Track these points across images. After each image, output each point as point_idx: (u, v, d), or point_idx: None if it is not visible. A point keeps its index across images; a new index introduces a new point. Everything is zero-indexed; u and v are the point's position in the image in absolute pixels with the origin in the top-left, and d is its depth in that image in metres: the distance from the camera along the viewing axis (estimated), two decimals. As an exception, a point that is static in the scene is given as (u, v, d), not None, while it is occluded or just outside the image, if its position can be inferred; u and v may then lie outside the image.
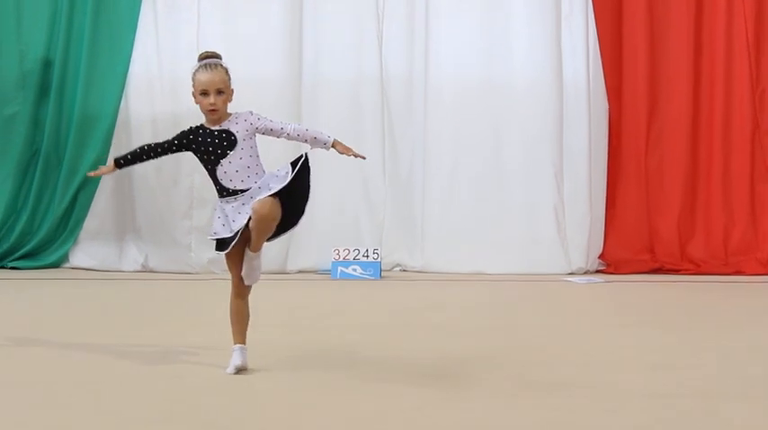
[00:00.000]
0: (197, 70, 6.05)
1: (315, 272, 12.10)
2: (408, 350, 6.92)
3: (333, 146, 6.36)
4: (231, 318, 6.06)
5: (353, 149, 6.37)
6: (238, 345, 6.01)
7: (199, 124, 6.14)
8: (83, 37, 12.12)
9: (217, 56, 6.13)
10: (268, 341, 6.19)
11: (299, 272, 12.12)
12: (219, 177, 6.07)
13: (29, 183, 12.29)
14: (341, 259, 11.68)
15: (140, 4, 12.15)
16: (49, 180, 12.27)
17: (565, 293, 10.61)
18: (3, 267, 12.06)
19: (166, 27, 12.24)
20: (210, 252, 11.78)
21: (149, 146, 6.20)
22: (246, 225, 5.90)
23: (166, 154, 6.21)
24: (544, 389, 5.65)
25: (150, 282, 11.22)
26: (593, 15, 12.41)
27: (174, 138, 6.14)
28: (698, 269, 12.31)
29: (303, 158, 6.07)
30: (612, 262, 12.46)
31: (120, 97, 12.13)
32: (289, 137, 6.34)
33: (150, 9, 12.21)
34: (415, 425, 4.84)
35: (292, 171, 6.01)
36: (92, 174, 6.33)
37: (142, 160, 6.23)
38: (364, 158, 6.42)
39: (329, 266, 11.74)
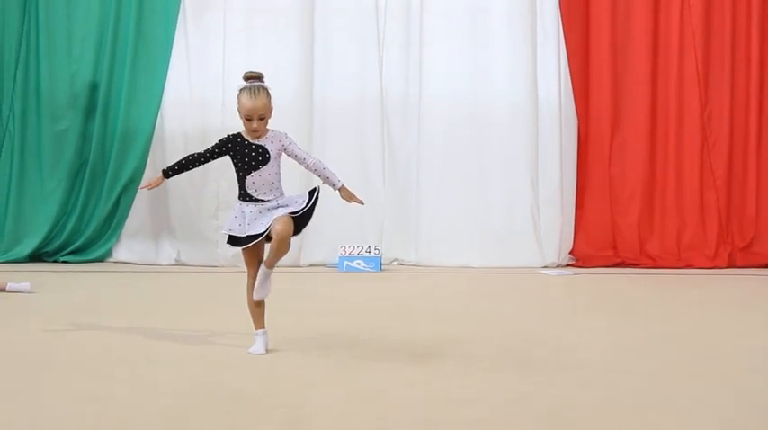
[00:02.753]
0: (242, 92, 5.98)
1: (324, 265, 12.10)
2: (404, 333, 6.92)
3: (339, 189, 6.20)
4: (250, 309, 6.04)
5: (356, 196, 6.21)
6: (260, 330, 6.02)
7: (238, 133, 6.09)
8: (124, 63, 12.11)
9: (260, 77, 6.05)
10: (283, 325, 6.20)
11: (311, 265, 12.12)
12: (247, 185, 5.98)
13: (78, 189, 12.29)
14: (346, 254, 11.68)
15: (174, 34, 12.14)
16: (95, 186, 12.26)
17: (539, 284, 10.60)
18: (55, 261, 12.06)
19: (197, 54, 12.24)
20: (234, 248, 11.85)
21: (193, 155, 6.10)
22: (267, 238, 5.85)
23: (209, 161, 6.12)
24: (523, 367, 5.66)
25: (182, 274, 11.22)
26: (564, 45, 12.41)
27: (214, 146, 6.07)
28: (655, 263, 12.32)
29: (317, 191, 6.01)
30: (581, 257, 12.46)
31: (157, 115, 12.12)
32: (307, 167, 6.19)
33: (183, 38, 12.21)
34: (409, 398, 4.84)
35: (309, 199, 5.95)
36: (144, 187, 6.17)
37: (187, 169, 6.13)
38: (362, 204, 6.25)
39: (336, 261, 11.74)
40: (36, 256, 12.07)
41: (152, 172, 12.10)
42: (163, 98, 12.14)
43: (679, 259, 12.41)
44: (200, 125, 12.12)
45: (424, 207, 12.43)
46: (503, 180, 12.36)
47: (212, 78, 12.16)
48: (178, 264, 12.07)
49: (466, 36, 12.40)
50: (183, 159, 6.10)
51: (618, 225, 12.54)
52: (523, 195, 12.34)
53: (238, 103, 6.00)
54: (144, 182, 6.12)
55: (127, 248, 12.25)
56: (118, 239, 12.26)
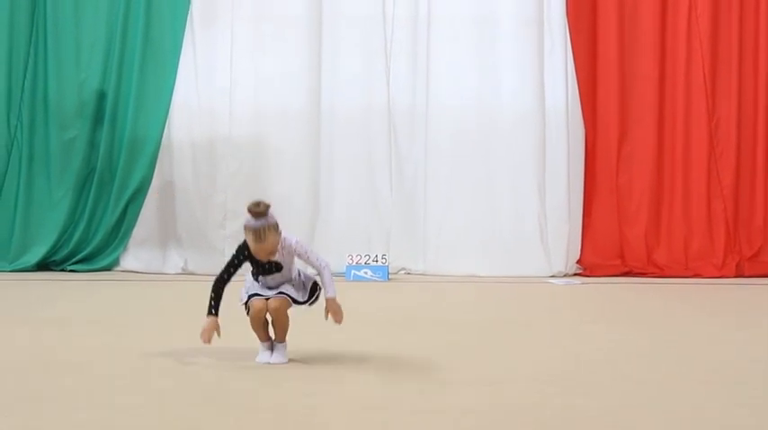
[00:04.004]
0: (247, 232, 5.79)
1: (331, 274, 12.09)
2: (412, 342, 6.96)
3: (327, 298, 5.98)
4: (254, 328, 6.07)
5: (339, 314, 5.98)
6: (267, 342, 6.07)
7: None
8: (132, 72, 12.17)
9: (265, 213, 5.77)
10: (291, 334, 6.22)
11: (318, 274, 12.12)
12: (260, 279, 6.01)
13: (85, 198, 12.33)
14: (354, 263, 11.70)
15: (182, 42, 12.20)
16: (103, 195, 12.31)
17: (546, 293, 10.62)
18: (63, 270, 12.10)
19: (204, 63, 12.29)
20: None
21: (219, 281, 5.90)
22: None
23: (234, 274, 5.93)
24: (531, 376, 5.69)
25: (189, 283, 11.24)
26: (571, 53, 12.45)
27: (234, 259, 5.91)
28: (662, 272, 12.33)
29: (318, 293, 6.07)
30: (588, 266, 12.48)
31: (164, 124, 12.17)
32: (311, 265, 6.06)
33: (190, 47, 12.26)
34: (418, 408, 4.87)
35: (310, 297, 6.06)
36: (205, 339, 5.77)
37: (222, 294, 5.88)
38: (339, 323, 6.01)
39: (344, 270, 11.75)
40: (44, 265, 12.12)
41: (159, 181, 12.18)
42: (170, 106, 12.19)
43: (687, 268, 12.42)
44: (207, 134, 12.19)
45: (431, 216, 12.45)
46: (510, 189, 12.39)
47: (220, 87, 12.22)
48: (185, 272, 12.10)
49: (473, 44, 12.44)
50: (213, 292, 5.88)
51: (625, 234, 12.56)
52: (531, 204, 12.37)
53: (245, 233, 5.84)
54: (204, 334, 5.77)
55: (134, 257, 12.29)
56: (125, 248, 12.30)
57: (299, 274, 6.09)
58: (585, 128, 12.55)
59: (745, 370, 6.04)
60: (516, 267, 12.17)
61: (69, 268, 12.10)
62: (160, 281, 11.42)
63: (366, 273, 11.63)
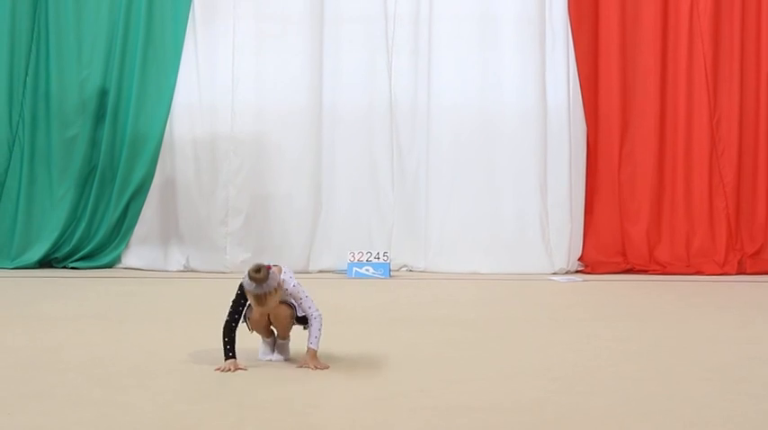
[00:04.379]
0: (249, 294, 5.72)
1: (333, 271, 12.13)
2: (413, 339, 6.97)
3: (308, 349, 5.87)
4: (256, 330, 6.09)
5: (316, 365, 5.79)
6: (269, 339, 6.09)
7: None
8: (134, 69, 12.16)
9: (265, 279, 5.62)
10: (293, 332, 6.23)
11: (320, 271, 12.14)
12: None
13: (87, 195, 12.33)
14: (355, 260, 11.71)
15: (183, 40, 12.18)
16: (105, 192, 12.30)
17: (548, 290, 10.63)
18: (64, 267, 12.10)
19: (206, 61, 12.28)
20: (243, 254, 11.93)
21: (228, 327, 5.82)
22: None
23: (240, 316, 5.88)
24: (533, 374, 5.71)
25: (191, 280, 11.26)
26: (573, 51, 12.44)
27: (236, 304, 5.85)
28: (664, 270, 12.33)
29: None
30: (590, 263, 12.48)
31: (166, 121, 12.16)
32: (304, 312, 5.96)
33: (192, 45, 12.25)
34: (420, 405, 4.88)
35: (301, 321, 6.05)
36: (221, 369, 5.66)
37: (234, 338, 5.80)
38: (318, 369, 5.81)
39: (345, 267, 11.77)
40: (45, 263, 12.12)
41: (161, 178, 12.17)
42: (172, 104, 12.18)
43: (688, 266, 12.42)
44: (209, 131, 12.18)
45: (432, 213, 12.45)
46: (512, 186, 12.39)
47: (222, 84, 12.21)
48: (187, 270, 12.10)
49: (475, 42, 12.43)
50: (225, 336, 5.80)
51: (627, 231, 12.56)
52: (532, 201, 12.37)
53: (247, 295, 5.77)
54: (222, 369, 5.69)
55: (136, 254, 12.29)
56: (127, 245, 12.30)
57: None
58: (587, 125, 12.55)
59: (746, 367, 6.05)
60: (518, 265, 12.17)
61: (71, 265, 12.10)
62: (162, 278, 11.42)
63: (368, 270, 11.64)
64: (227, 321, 5.80)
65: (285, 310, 5.90)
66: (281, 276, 5.79)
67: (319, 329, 5.88)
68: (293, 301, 5.98)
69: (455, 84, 12.35)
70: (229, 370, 5.66)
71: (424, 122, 12.46)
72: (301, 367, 5.82)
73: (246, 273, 5.69)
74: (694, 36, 12.50)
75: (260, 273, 5.61)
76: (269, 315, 5.92)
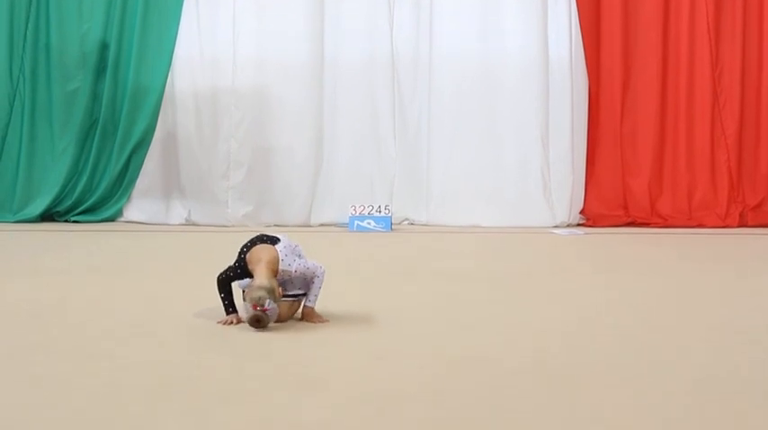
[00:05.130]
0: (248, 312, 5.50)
1: (334, 225, 12.13)
2: (414, 293, 6.96)
3: (305, 306, 5.79)
4: None
5: (316, 319, 5.75)
6: None
7: None
8: (134, 22, 12.12)
9: (267, 325, 5.48)
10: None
11: (321, 225, 12.15)
12: None
13: (88, 149, 12.32)
14: (357, 214, 11.71)
15: (184, -7, 12.18)
16: (106, 146, 12.30)
17: (550, 243, 10.63)
18: (66, 221, 12.11)
19: (207, 13, 12.23)
20: (244, 208, 11.92)
21: (223, 281, 5.71)
22: None
23: (234, 279, 5.75)
24: (535, 328, 5.70)
25: (193, 234, 11.27)
26: (575, 3, 12.39)
27: (235, 269, 5.70)
28: (665, 223, 12.35)
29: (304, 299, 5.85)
30: (591, 216, 12.49)
31: (167, 74, 12.14)
32: (309, 277, 5.78)
33: (193, -3, 12.24)
34: (421, 358, 4.88)
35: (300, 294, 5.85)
36: (223, 322, 5.61)
37: (231, 290, 5.71)
38: (322, 322, 5.76)
39: (347, 220, 11.78)
40: (47, 216, 12.13)
41: (163, 131, 12.16)
42: (173, 57, 12.15)
43: (690, 218, 12.43)
44: (210, 84, 12.15)
45: (434, 166, 12.44)
46: (513, 139, 12.38)
47: (223, 37, 12.17)
48: (188, 223, 12.12)
49: (476, -5, 12.40)
50: (223, 292, 5.71)
51: (629, 184, 12.55)
52: (534, 154, 12.36)
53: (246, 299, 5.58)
54: (223, 322, 5.61)
55: (137, 208, 12.30)
56: (129, 199, 12.30)
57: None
58: (589, 78, 12.52)
59: (747, 320, 6.04)
60: (519, 218, 12.18)
61: (73, 219, 12.12)
62: (163, 232, 11.43)
63: (369, 223, 11.64)
64: (222, 278, 5.72)
65: (285, 310, 5.78)
66: (279, 266, 5.63)
67: (319, 287, 5.80)
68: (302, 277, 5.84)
69: (457, 36, 12.33)
70: (231, 323, 5.65)
71: (425, 73, 12.43)
72: (301, 321, 5.80)
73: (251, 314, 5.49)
74: (697, -12, 12.44)
75: (261, 323, 5.48)
76: None
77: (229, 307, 5.70)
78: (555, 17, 12.47)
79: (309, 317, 5.78)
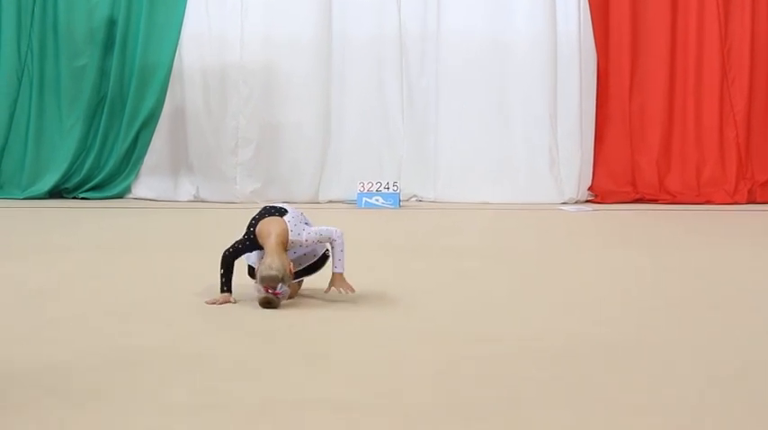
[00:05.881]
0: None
1: (343, 202, 12.11)
2: (422, 269, 6.95)
3: (334, 274, 5.67)
4: None
5: (345, 286, 5.67)
6: None
7: None
8: (142, -2, 12.11)
9: (278, 304, 5.43)
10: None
11: (329, 202, 12.13)
12: None
13: (96, 125, 12.29)
14: (365, 191, 11.67)
15: (192, -31, 12.12)
16: (114, 122, 12.27)
17: (558, 220, 10.61)
18: (75, 197, 12.10)
19: (215, -10, 12.21)
20: (253, 184, 11.90)
21: (228, 256, 5.64)
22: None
23: (241, 254, 5.70)
24: (542, 304, 5.69)
25: (201, 210, 11.26)
26: (584, -22, 12.35)
27: (243, 243, 5.63)
28: (674, 199, 12.31)
29: (324, 262, 5.86)
30: (600, 193, 12.45)
31: (175, 51, 12.09)
32: (323, 243, 5.78)
33: (200, -26, 12.18)
34: (427, 333, 4.86)
35: (316, 262, 5.86)
36: (211, 302, 5.53)
37: (233, 269, 5.64)
38: (353, 291, 5.67)
39: (355, 197, 11.74)
40: (56, 193, 12.11)
41: (171, 108, 12.12)
42: (181, 33, 12.10)
43: (699, 195, 12.39)
44: (218, 61, 12.11)
45: (442, 143, 12.40)
46: (521, 115, 12.33)
47: (231, 13, 12.11)
48: (197, 200, 12.09)
49: (485, -31, 12.33)
50: (224, 268, 5.63)
51: (637, 160, 12.51)
52: (542, 131, 12.31)
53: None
54: (214, 302, 5.53)
55: (146, 185, 12.27)
56: (137, 176, 12.28)
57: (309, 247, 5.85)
58: (597, 54, 12.46)
59: (756, 296, 6.02)
60: (528, 194, 12.14)
61: (81, 196, 12.09)
62: (172, 208, 11.41)
63: (377, 200, 11.61)
64: (227, 254, 5.66)
65: (293, 288, 5.74)
66: (289, 237, 5.57)
67: (342, 250, 5.68)
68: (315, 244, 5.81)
69: (464, 12, 12.27)
70: (221, 303, 5.54)
71: (433, 51, 12.38)
72: (328, 292, 5.70)
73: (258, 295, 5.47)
74: (706, -36, 12.37)
75: (271, 305, 5.44)
76: None
77: (225, 285, 5.64)
78: (564, -7, 12.42)
79: (339, 283, 5.67)
